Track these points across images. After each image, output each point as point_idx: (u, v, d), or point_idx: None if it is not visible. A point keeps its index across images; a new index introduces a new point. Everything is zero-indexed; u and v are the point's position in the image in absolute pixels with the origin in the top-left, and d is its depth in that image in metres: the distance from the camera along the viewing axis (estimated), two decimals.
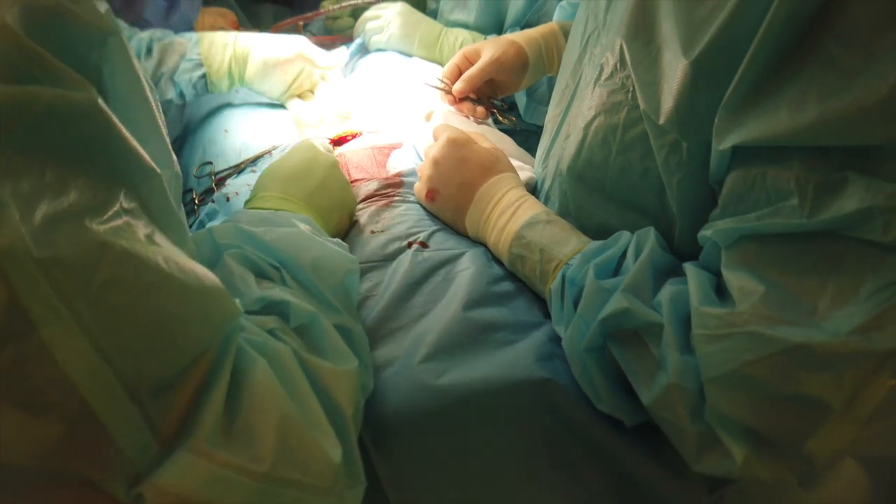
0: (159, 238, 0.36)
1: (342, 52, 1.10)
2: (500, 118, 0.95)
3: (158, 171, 0.38)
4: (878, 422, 0.45)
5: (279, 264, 0.52)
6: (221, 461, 0.36)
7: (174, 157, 0.46)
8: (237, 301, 0.41)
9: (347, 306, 0.53)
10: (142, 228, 0.35)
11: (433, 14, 1.20)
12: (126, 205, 0.35)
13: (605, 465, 0.55)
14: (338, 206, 0.70)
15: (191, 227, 0.89)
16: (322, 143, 0.79)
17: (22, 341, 0.29)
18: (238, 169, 0.91)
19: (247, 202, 0.67)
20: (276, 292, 0.48)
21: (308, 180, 0.68)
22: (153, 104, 0.43)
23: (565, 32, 0.91)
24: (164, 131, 0.45)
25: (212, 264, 0.52)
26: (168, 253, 0.35)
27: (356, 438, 0.46)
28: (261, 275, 0.51)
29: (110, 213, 0.33)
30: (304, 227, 0.56)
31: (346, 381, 0.46)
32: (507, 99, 1.00)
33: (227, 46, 0.95)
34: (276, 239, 0.53)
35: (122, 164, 0.36)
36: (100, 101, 0.34)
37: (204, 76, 0.94)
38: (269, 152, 0.93)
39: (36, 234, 0.29)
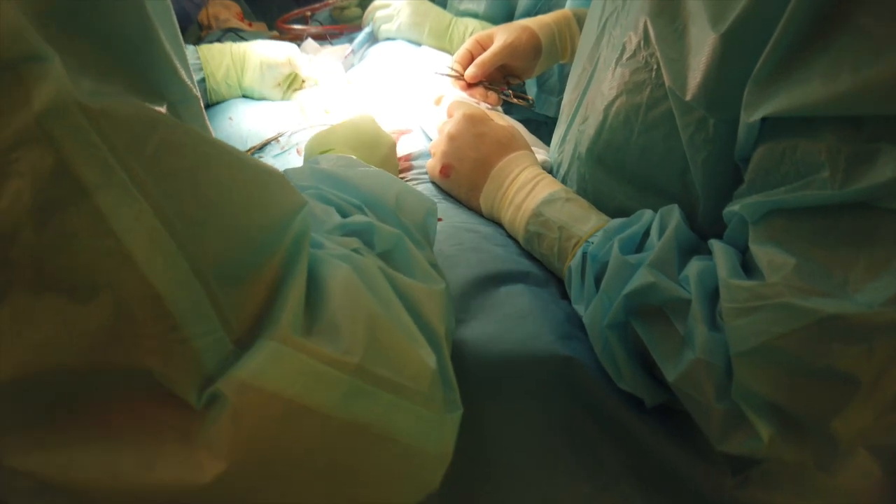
0: None
1: (341, 50, 1.11)
2: (515, 99, 0.94)
3: (197, 93, 0.35)
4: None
5: (361, 203, 0.48)
6: (311, 350, 0.31)
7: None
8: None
9: (429, 244, 0.50)
10: None
11: (443, 3, 1.20)
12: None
13: (625, 447, 0.55)
14: None
15: None
16: None
17: (72, 211, 0.25)
18: None
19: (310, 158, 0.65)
20: (360, 218, 0.44)
21: (376, 151, 0.67)
22: (181, 41, 0.40)
23: (579, 19, 0.91)
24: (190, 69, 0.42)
25: None
26: None
27: (450, 361, 0.42)
28: (341, 214, 0.46)
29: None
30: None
31: (436, 299, 0.41)
32: (517, 88, 0.99)
33: (223, 51, 0.97)
34: (358, 175, 0.49)
35: (162, 77, 0.32)
36: None
37: (203, 80, 0.96)
38: (276, 139, 0.92)
39: (83, 92, 0.25)
